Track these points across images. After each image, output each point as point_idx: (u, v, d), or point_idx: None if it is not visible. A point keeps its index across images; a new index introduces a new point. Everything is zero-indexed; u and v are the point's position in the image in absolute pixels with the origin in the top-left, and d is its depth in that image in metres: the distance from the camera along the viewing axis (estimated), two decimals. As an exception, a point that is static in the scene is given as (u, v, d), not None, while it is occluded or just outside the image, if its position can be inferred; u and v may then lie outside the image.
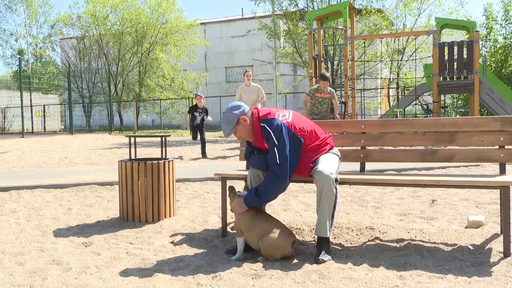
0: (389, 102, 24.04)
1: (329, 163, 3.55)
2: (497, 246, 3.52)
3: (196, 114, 11.17)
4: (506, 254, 3.28)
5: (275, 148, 3.41)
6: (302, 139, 3.52)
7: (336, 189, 3.44)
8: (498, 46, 21.85)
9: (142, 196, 4.64)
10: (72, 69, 30.03)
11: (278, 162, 3.39)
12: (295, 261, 3.33)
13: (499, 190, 5.53)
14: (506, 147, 3.66)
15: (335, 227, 4.23)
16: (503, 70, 21.14)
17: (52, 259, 3.48)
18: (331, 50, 19.44)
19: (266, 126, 3.47)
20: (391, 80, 24.02)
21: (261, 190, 3.44)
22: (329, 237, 3.47)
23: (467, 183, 3.41)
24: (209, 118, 11.19)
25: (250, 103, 10.44)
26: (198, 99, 11.31)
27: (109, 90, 24.53)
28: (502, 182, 3.30)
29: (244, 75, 10.66)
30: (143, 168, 4.62)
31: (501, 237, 3.66)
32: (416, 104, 17.41)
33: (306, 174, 3.59)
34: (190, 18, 30.05)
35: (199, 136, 11.14)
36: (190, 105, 13.59)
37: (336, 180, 3.45)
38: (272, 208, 5.19)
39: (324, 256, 3.31)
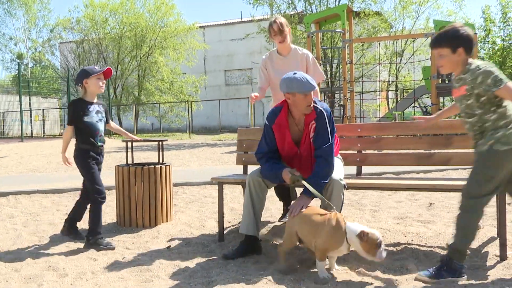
0: (388, 105, 24.06)
1: (338, 169, 3.55)
2: (493, 249, 3.52)
3: None
4: (502, 258, 3.28)
5: (328, 128, 3.41)
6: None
7: (343, 195, 3.44)
8: (496, 48, 21.88)
9: (139, 201, 4.63)
10: (71, 73, 29.95)
11: (330, 142, 3.41)
12: (292, 265, 3.33)
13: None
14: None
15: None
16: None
17: (48, 265, 3.48)
18: (330, 53, 19.47)
19: (321, 108, 3.43)
20: (390, 82, 24.05)
21: (322, 173, 3.36)
22: None
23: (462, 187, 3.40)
24: None
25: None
26: None
27: (108, 94, 24.54)
28: (497, 186, 3.29)
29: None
30: (140, 173, 4.62)
31: (498, 241, 3.65)
32: (415, 106, 17.43)
33: (308, 174, 3.50)
34: (189, 22, 29.99)
35: None
36: (189, 109, 13.52)
37: (344, 186, 3.46)
38: (270, 212, 5.19)
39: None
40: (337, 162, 3.67)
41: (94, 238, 3.95)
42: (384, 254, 2.91)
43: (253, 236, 3.61)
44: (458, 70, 3.02)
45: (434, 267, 3.01)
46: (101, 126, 4.10)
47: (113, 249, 3.90)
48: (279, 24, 4.28)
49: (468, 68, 2.95)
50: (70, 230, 4.28)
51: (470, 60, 2.99)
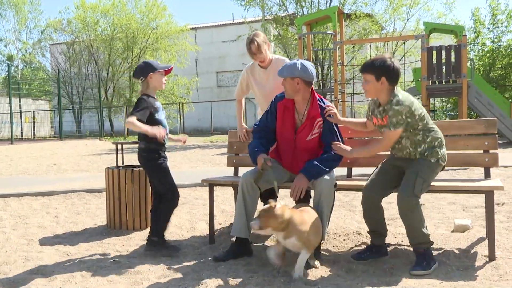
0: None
1: None
2: (482, 250, 3.54)
3: None
4: (491, 258, 3.31)
5: (335, 127, 3.58)
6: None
7: (334, 194, 3.47)
8: (486, 49, 22.05)
9: (129, 203, 4.61)
10: (62, 75, 29.83)
11: (339, 138, 3.56)
12: (283, 267, 3.33)
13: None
14: (490, 151, 3.69)
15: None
16: (491, 74, 21.33)
17: (37, 268, 3.46)
18: (321, 55, 19.52)
19: (324, 105, 3.57)
20: (381, 84, 24.15)
21: (326, 159, 3.47)
22: (321, 243, 3.49)
23: (451, 188, 3.44)
24: None
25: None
26: None
27: (99, 96, 24.43)
28: (486, 187, 3.32)
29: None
30: (130, 175, 4.60)
31: (487, 241, 3.68)
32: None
33: (299, 164, 3.59)
34: (180, 23, 29.91)
35: None
36: (181, 110, 13.45)
37: (335, 185, 3.48)
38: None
39: (314, 263, 3.31)
40: None
41: (160, 238, 3.80)
42: None
43: (244, 238, 3.61)
44: (382, 98, 3.30)
45: (419, 262, 3.17)
46: (167, 125, 3.93)
47: (178, 250, 3.77)
48: (257, 46, 4.13)
49: (391, 99, 3.24)
50: (163, 245, 3.80)
51: (396, 91, 3.27)
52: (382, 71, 3.21)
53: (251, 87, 4.47)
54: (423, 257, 3.19)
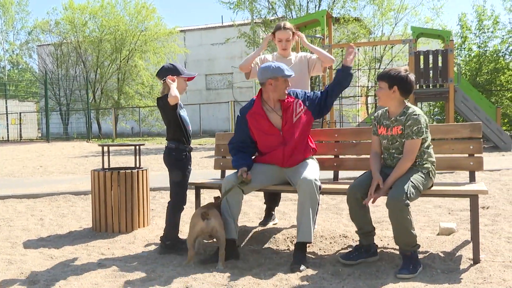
0: (367, 110, 24.28)
1: (313, 170, 3.59)
2: (467, 253, 3.57)
3: None
4: (475, 261, 3.33)
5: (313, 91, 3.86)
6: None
7: (319, 196, 3.49)
8: (472, 55, 22.30)
9: (115, 206, 4.58)
10: (50, 76, 29.59)
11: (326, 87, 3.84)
12: (269, 270, 3.33)
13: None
14: (475, 155, 3.72)
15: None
16: (477, 79, 21.57)
17: (20, 272, 3.41)
18: (310, 58, 19.56)
19: (294, 90, 3.82)
20: (369, 88, 24.29)
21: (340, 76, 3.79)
22: (307, 246, 3.49)
23: (437, 191, 3.46)
24: None
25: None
26: None
27: (87, 98, 24.26)
28: (470, 191, 3.35)
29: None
30: (116, 177, 4.57)
31: (472, 244, 3.71)
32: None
33: (293, 158, 3.75)
34: (169, 26, 29.98)
35: None
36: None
37: (319, 187, 3.50)
38: (248, 216, 5.18)
39: (300, 266, 3.31)
40: (314, 164, 3.75)
41: (172, 241, 3.85)
42: None
43: (231, 240, 3.60)
44: (392, 107, 3.46)
45: (406, 265, 3.19)
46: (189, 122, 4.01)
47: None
48: (289, 33, 4.29)
49: (405, 111, 3.38)
50: (175, 246, 3.87)
51: (408, 104, 3.44)
52: (396, 80, 3.37)
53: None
54: (409, 260, 3.21)
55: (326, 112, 3.87)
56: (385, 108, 3.54)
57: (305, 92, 3.84)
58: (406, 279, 3.07)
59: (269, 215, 4.72)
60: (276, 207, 4.84)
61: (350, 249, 3.71)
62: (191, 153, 4.08)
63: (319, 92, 3.84)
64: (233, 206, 3.63)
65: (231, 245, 3.61)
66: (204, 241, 3.89)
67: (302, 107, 3.74)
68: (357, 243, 3.79)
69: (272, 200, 4.74)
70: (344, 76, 3.75)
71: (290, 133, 3.70)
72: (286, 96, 3.71)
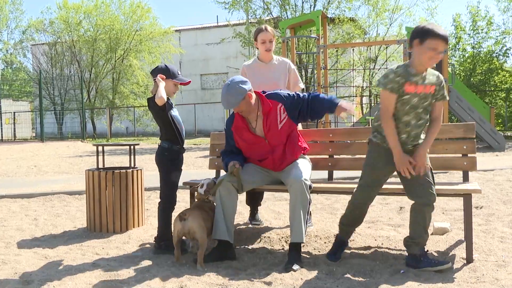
0: (362, 110, 24.35)
1: (303, 169, 3.59)
2: (460, 252, 3.59)
3: None
4: (468, 260, 3.35)
5: (295, 96, 3.74)
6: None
7: (309, 195, 3.49)
8: (466, 55, 22.42)
9: (109, 205, 4.57)
10: (44, 76, 29.46)
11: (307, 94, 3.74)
12: (264, 270, 3.33)
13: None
14: (469, 155, 3.74)
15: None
16: (471, 79, 21.69)
17: (14, 272, 3.40)
18: (305, 58, 19.61)
19: (273, 92, 3.74)
20: (364, 88, 24.35)
21: (323, 98, 3.72)
22: (301, 246, 3.50)
23: (430, 191, 3.46)
24: None
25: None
26: None
27: (82, 97, 24.18)
28: (464, 190, 3.37)
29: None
30: (110, 177, 4.56)
31: (465, 244, 3.73)
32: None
33: (281, 161, 3.72)
34: (165, 26, 29.83)
35: None
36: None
37: (310, 186, 3.50)
38: (242, 216, 5.18)
39: (294, 266, 3.31)
40: (304, 163, 3.73)
41: (166, 241, 3.84)
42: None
43: (226, 241, 3.60)
44: (422, 67, 3.12)
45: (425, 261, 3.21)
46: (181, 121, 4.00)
47: (187, 252, 3.81)
48: (272, 34, 4.38)
49: (432, 72, 3.18)
50: (169, 247, 3.81)
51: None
52: (412, 34, 3.09)
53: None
54: (418, 257, 3.24)
55: (313, 120, 3.89)
56: (404, 64, 3.15)
57: (292, 96, 3.75)
58: (399, 279, 3.06)
59: (253, 215, 4.75)
60: (259, 207, 4.87)
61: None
62: (184, 154, 4.08)
63: (306, 100, 3.72)
64: (228, 207, 3.63)
65: (226, 246, 3.61)
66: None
67: (285, 113, 3.69)
68: (351, 242, 3.81)
69: (253, 201, 4.76)
70: (329, 112, 3.71)
71: (276, 139, 3.68)
72: (253, 111, 3.68)
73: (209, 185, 3.79)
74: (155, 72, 3.86)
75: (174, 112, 3.91)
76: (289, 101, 3.72)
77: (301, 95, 3.77)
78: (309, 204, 3.53)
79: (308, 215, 3.53)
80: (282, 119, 3.69)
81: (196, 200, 3.91)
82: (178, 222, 3.46)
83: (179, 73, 3.95)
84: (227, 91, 3.56)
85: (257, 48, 4.43)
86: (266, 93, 3.76)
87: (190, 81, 3.98)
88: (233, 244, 3.66)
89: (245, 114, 3.69)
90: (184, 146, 4.03)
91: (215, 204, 3.70)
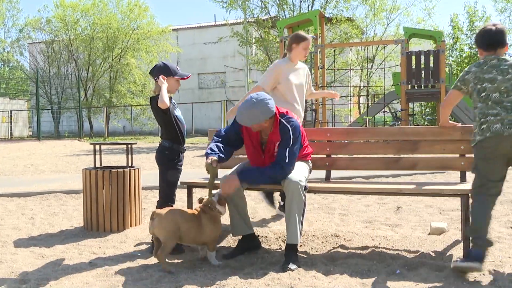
0: (359, 110, 24.38)
1: (298, 171, 3.59)
2: (457, 252, 3.60)
3: None
4: (465, 260, 3.35)
5: (287, 148, 3.48)
6: (302, 145, 3.69)
7: (305, 196, 3.48)
8: (464, 55, 22.45)
9: (106, 204, 4.55)
10: (41, 74, 29.40)
11: (287, 162, 3.47)
12: (261, 269, 3.33)
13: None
14: (466, 155, 3.75)
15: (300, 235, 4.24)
16: (469, 79, 21.67)
17: (10, 271, 3.38)
18: (302, 58, 19.60)
19: (287, 125, 3.53)
20: (361, 88, 24.39)
21: (264, 171, 3.53)
22: (297, 246, 3.49)
23: (428, 191, 3.48)
24: None
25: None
26: None
27: (79, 96, 24.13)
28: (461, 190, 3.38)
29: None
30: (107, 176, 4.55)
31: (462, 244, 3.74)
32: (385, 111, 17.69)
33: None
34: (162, 24, 29.76)
35: None
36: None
37: (305, 187, 3.50)
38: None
39: (291, 266, 3.31)
40: (301, 165, 3.71)
41: None
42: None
43: (248, 234, 3.73)
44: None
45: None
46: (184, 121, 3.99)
47: (182, 252, 3.79)
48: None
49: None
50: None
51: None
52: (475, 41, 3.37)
53: (283, 79, 4.41)
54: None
55: None
56: (478, 63, 3.31)
57: (288, 137, 3.55)
58: (397, 278, 3.07)
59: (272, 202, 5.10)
60: (258, 206, 5.00)
61: (340, 248, 3.72)
62: (184, 153, 4.07)
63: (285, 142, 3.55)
64: (237, 202, 3.71)
65: (248, 238, 3.75)
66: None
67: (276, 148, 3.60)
68: (349, 241, 3.82)
69: (269, 195, 5.06)
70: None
71: (271, 157, 3.64)
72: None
73: (220, 196, 3.60)
74: (154, 71, 3.85)
75: (177, 112, 3.91)
76: (283, 142, 3.55)
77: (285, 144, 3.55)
78: (304, 205, 3.52)
79: (302, 216, 3.52)
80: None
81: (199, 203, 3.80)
82: (150, 220, 3.44)
83: (178, 68, 3.95)
84: (253, 105, 3.41)
85: (288, 51, 4.45)
86: (286, 118, 3.58)
87: (190, 75, 4.00)
88: (254, 234, 3.79)
89: (257, 129, 3.61)
90: (184, 147, 4.03)
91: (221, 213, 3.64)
